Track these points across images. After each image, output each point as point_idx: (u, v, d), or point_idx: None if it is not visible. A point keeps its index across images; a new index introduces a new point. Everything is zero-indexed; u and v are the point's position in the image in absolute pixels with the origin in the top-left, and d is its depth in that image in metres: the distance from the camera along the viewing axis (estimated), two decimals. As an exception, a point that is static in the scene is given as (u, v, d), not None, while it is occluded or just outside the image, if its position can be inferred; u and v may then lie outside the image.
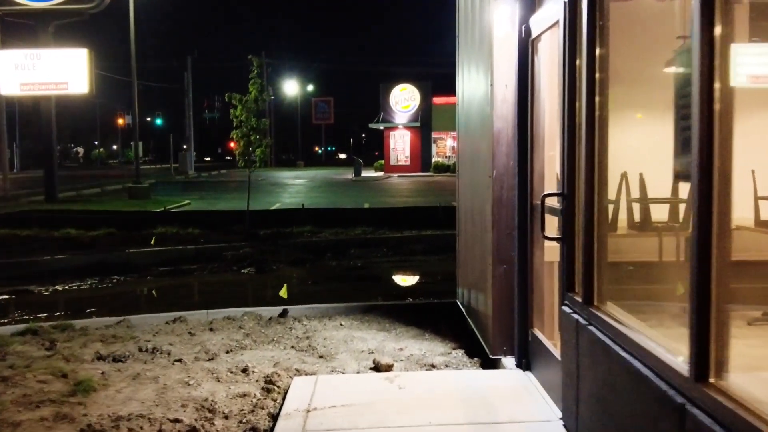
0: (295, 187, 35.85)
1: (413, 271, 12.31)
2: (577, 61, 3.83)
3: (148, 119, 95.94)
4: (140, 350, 5.82)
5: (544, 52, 4.68)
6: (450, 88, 44.69)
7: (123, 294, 10.44)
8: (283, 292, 7.86)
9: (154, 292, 10.76)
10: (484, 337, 5.50)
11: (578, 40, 3.81)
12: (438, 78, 48.08)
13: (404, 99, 46.78)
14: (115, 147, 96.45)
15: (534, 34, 4.69)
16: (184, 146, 55.21)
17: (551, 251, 4.80)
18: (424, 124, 46.49)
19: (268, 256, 13.15)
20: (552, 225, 4.24)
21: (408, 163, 47.16)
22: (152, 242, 13.51)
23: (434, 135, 47.29)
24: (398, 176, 43.70)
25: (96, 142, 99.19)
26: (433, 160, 46.80)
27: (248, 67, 15.07)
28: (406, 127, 46.88)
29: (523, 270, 4.91)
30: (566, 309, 3.85)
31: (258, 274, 11.88)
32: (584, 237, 3.61)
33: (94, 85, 22.39)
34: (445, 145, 47.70)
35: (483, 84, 5.52)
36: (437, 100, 46.50)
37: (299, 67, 78.52)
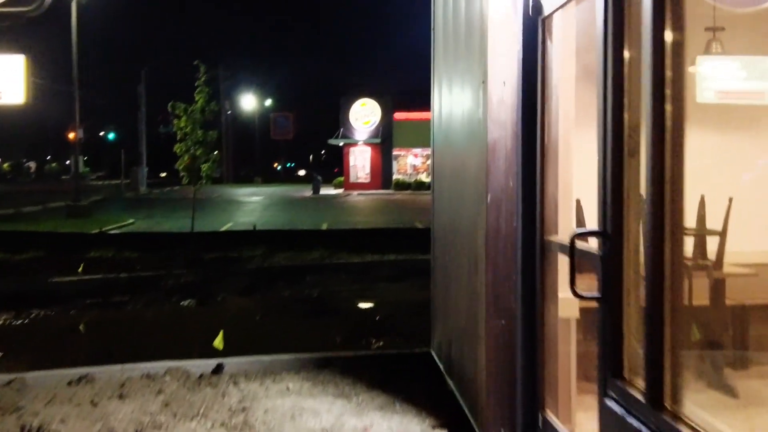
0: (250, 204, 34.32)
1: (376, 302, 10.97)
2: (627, 52, 2.60)
3: (102, 133, 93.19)
4: (21, 430, 4.39)
5: (561, 35, 3.44)
6: (411, 104, 43.83)
7: (33, 335, 8.89)
8: (218, 342, 6.46)
9: (70, 332, 9.19)
10: (474, 412, 4.20)
11: (628, 17, 2.58)
12: (399, 94, 47.06)
13: (365, 115, 45.65)
14: (68, 162, 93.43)
15: (546, 11, 3.45)
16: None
17: (568, 305, 3.55)
18: (385, 141, 45.36)
19: (212, 285, 11.72)
20: (585, 276, 2.98)
21: (368, 180, 45.94)
22: (80, 270, 11.95)
23: (395, 152, 46.16)
24: (358, 194, 42.43)
25: (48, 157, 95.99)
26: (394, 177, 45.66)
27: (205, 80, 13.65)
28: (367, 144, 45.71)
29: (530, 328, 3.63)
30: (613, 406, 2.58)
31: (199, 307, 10.43)
32: (649, 299, 2.35)
33: (31, 94, 20.57)
34: (406, 162, 46.64)
35: (472, 83, 4.28)
36: (398, 116, 45.42)
37: (258, 81, 76.83)
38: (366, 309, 10.42)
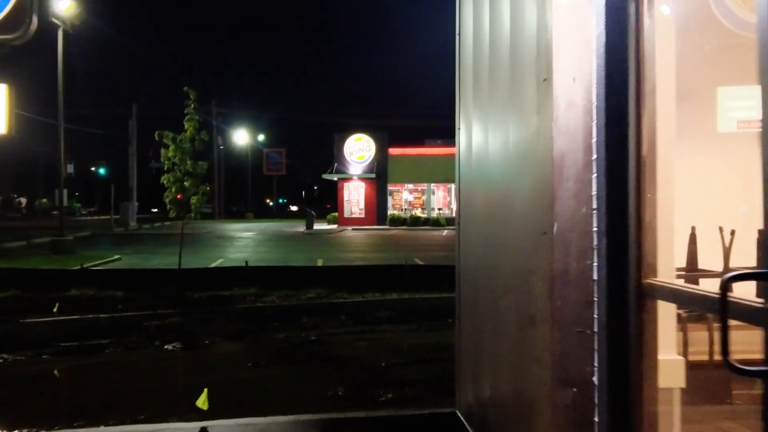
0: (242, 240, 33.35)
1: (380, 346, 10.01)
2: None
3: (93, 168, 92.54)
4: None
5: (661, 14, 2.61)
6: (407, 139, 43.28)
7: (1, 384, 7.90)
8: (202, 402, 5.48)
9: (38, 381, 8.18)
10: (531, 506, 3.26)
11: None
12: (394, 129, 46.63)
13: (359, 149, 44.99)
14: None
15: (643, -19, 2.61)
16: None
17: (671, 370, 2.67)
18: (380, 176, 44.66)
19: (200, 327, 10.75)
20: (741, 339, 2.09)
21: (362, 215, 45.12)
22: (55, 309, 10.96)
23: (390, 187, 45.47)
24: (353, 229, 41.55)
25: (39, 192, 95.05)
26: (389, 212, 44.88)
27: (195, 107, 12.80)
28: (361, 179, 44.98)
29: (618, 400, 2.72)
30: None
31: (184, 352, 9.46)
32: None
33: (15, 126, 19.70)
34: (401, 198, 45.94)
35: (524, 84, 3.43)
36: (393, 151, 44.85)
37: (251, 117, 76.53)
38: (369, 354, 9.44)
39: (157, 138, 12.69)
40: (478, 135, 4.54)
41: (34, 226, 40.90)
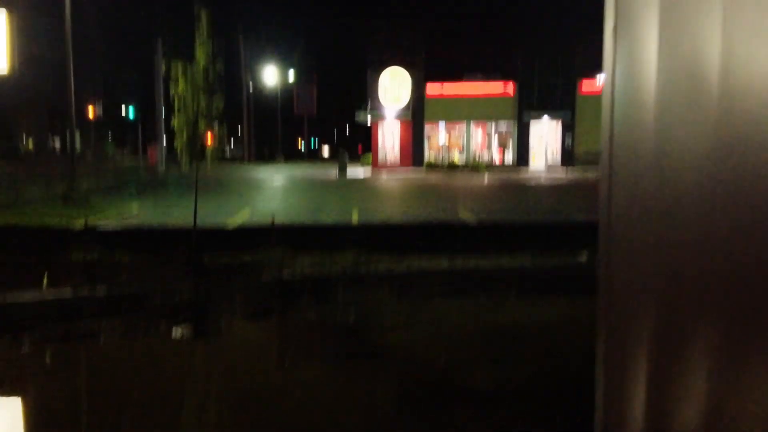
0: (270, 188, 31.45)
1: (436, 333, 7.97)
2: None
3: (125, 109, 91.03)
4: None
5: None
6: (446, 74, 40.47)
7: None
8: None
9: (11, 385, 6.34)
10: None
11: None
12: (431, 66, 43.80)
13: (394, 86, 42.38)
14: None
15: None
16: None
17: None
18: (416, 116, 42.15)
19: (215, 303, 8.87)
20: None
21: (398, 158, 42.86)
22: (44, 284, 9.14)
23: (427, 127, 42.99)
24: (388, 174, 39.36)
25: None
26: (426, 155, 42.54)
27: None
28: (396, 119, 42.52)
29: None
30: None
31: (194, 341, 7.60)
32: None
33: (16, 61, 17.76)
34: (437, 140, 43.48)
35: None
36: (431, 87, 42.15)
37: (280, 54, 73.71)
38: (424, 345, 7.43)
39: (164, 70, 10.59)
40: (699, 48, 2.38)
41: (64, 172, 39.37)
